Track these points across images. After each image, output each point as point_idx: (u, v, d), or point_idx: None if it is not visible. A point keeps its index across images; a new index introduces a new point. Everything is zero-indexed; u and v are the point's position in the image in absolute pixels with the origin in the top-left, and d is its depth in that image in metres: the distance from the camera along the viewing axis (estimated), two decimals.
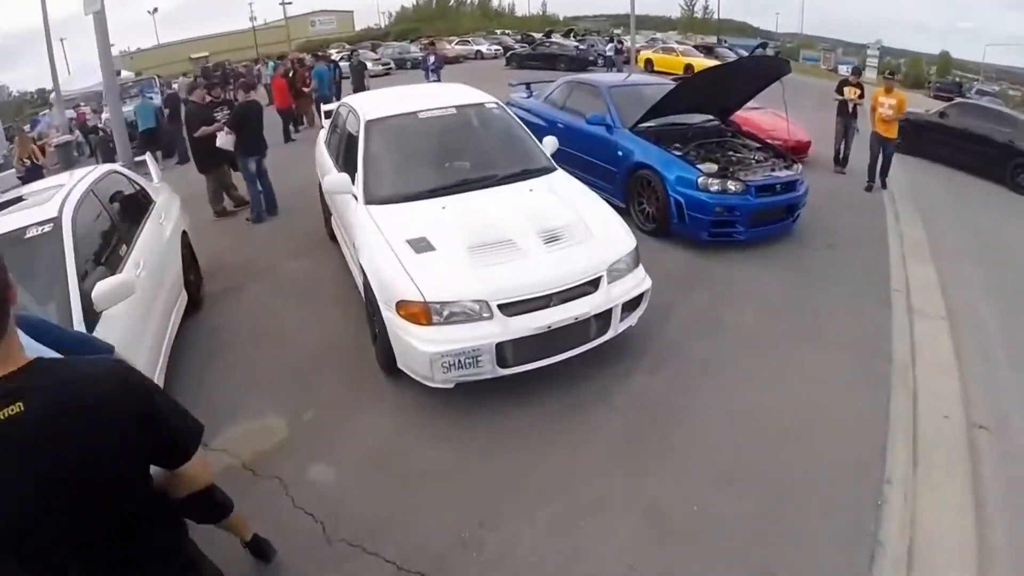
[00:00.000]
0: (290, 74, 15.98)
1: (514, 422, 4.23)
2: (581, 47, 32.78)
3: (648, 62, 28.87)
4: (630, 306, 4.64)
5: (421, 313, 4.02)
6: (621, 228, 4.87)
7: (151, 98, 17.35)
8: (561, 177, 5.55)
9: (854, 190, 10.32)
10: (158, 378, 4.30)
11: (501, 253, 4.32)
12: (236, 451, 4.05)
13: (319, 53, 25.03)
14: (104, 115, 18.58)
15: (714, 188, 6.73)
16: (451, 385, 4.18)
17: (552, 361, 4.31)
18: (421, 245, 4.37)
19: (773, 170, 7.26)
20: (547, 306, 4.18)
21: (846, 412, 4.38)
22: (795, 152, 11.26)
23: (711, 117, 8.53)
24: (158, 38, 60.93)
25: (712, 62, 26.11)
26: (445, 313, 4.02)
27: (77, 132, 19.52)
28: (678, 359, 4.99)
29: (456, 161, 5.56)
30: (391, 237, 4.48)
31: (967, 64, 63.21)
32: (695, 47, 30.88)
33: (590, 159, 8.24)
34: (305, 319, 5.87)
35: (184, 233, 6.29)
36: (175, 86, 20.71)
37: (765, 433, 4.13)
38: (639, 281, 4.70)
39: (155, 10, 59.35)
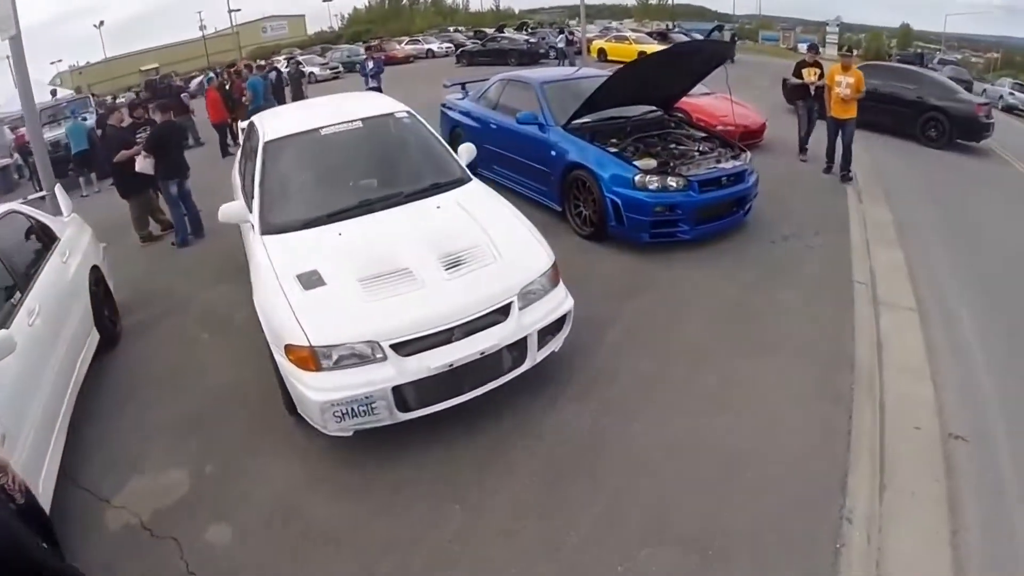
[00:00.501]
0: (226, 86, 15.42)
1: (427, 466, 3.82)
2: (532, 40, 32.20)
3: (601, 52, 28.43)
4: (551, 330, 4.21)
5: (309, 358, 3.59)
6: (536, 245, 4.41)
7: (84, 119, 16.63)
8: (474, 189, 5.09)
9: (813, 173, 9.93)
10: (60, 427, 4.03)
11: (396, 285, 3.88)
12: (136, 508, 3.74)
13: (256, 62, 23.87)
14: (44, 136, 17.82)
15: (653, 186, 6.30)
16: (348, 433, 3.76)
17: (461, 400, 3.89)
18: (312, 280, 3.93)
19: (719, 162, 6.86)
20: (448, 341, 3.76)
21: (802, 434, 3.97)
22: (749, 136, 10.98)
23: (653, 108, 8.10)
24: (105, 52, 59.76)
25: None
26: (334, 357, 3.59)
27: (16, 155, 18.68)
28: (611, 382, 4.56)
29: (361, 179, 5.12)
30: (281, 271, 4.03)
31: (928, 35, 64.02)
32: (649, 34, 30.47)
33: (524, 161, 7.84)
34: (221, 355, 5.48)
35: (95, 268, 5.87)
36: (120, 101, 19.75)
37: (708, 467, 3.71)
38: (559, 302, 4.25)
39: (101, 23, 58.31)
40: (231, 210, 4.87)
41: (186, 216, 8.51)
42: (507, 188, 8.27)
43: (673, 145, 7.26)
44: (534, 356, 4.13)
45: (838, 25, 46.79)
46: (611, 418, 4.18)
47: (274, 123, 5.67)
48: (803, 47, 40.67)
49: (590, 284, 5.46)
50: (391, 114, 5.67)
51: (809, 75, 10.44)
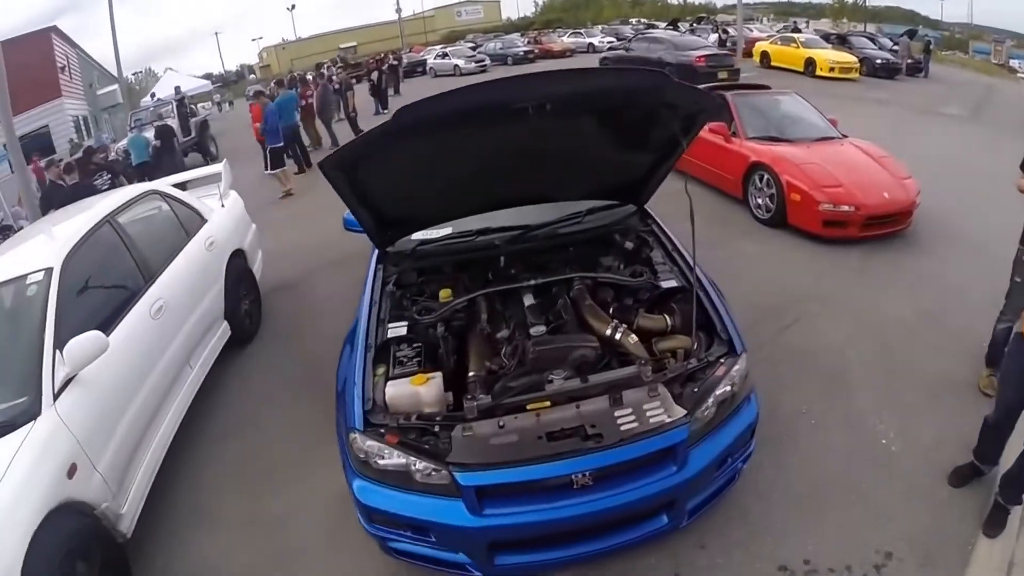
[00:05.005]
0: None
1: None
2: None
3: (764, 56, 21.93)
4: None
5: None
6: None
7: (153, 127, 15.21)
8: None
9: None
10: None
11: None
12: None
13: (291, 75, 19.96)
14: (119, 144, 16.23)
15: (383, 461, 2.51)
16: None
17: None
18: None
19: (619, 404, 2.59)
20: None
21: None
22: (882, 224, 6.21)
23: (614, 203, 3.94)
24: (296, 32, 63.89)
25: (846, 56, 20.13)
26: None
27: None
28: None
29: None
30: None
31: None
32: (825, 37, 23.94)
33: None
34: None
35: None
36: (171, 116, 17.18)
37: None
38: None
39: (293, 7, 60.18)
40: None
41: None
42: None
43: (553, 318, 3.19)
44: None
45: None
46: None
47: None
48: (1017, 64, 29.34)
49: None
50: (22, 279, 3.41)
51: None
